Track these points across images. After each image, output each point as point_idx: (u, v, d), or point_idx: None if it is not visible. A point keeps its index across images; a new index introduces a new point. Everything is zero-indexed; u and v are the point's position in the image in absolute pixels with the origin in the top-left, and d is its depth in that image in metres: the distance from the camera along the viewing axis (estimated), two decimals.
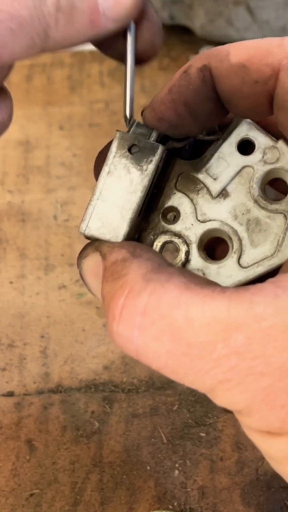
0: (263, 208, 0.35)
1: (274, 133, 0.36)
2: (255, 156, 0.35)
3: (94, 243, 0.34)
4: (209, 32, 0.74)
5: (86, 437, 0.49)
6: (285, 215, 0.35)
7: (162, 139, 0.36)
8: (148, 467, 0.48)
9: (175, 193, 0.36)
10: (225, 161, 0.36)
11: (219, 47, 0.34)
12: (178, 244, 0.36)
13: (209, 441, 0.49)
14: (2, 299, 0.57)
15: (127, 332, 0.30)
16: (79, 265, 0.34)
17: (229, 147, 0.36)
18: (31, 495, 0.47)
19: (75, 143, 0.68)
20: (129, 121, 0.35)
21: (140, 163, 0.34)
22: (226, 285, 0.35)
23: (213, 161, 0.36)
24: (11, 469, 0.48)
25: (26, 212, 0.63)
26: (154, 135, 0.35)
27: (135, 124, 0.35)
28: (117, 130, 0.35)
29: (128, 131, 0.35)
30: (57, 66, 0.78)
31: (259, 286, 0.29)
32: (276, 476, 0.46)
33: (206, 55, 0.34)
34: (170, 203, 0.36)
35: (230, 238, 0.35)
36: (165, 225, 0.36)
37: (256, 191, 0.35)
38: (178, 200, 0.36)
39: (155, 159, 0.34)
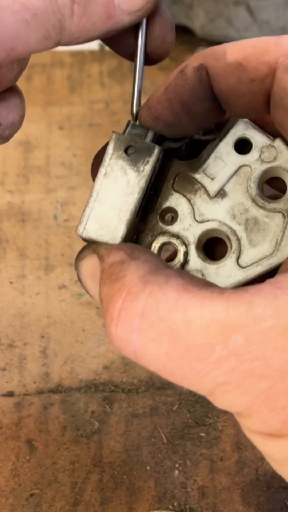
0: (261, 207, 0.35)
1: (271, 132, 0.36)
2: (252, 155, 0.35)
3: (91, 245, 0.34)
4: (209, 32, 0.74)
5: (86, 437, 0.49)
6: (283, 214, 0.35)
7: (158, 139, 0.35)
8: (148, 467, 0.48)
9: (172, 194, 0.36)
10: (222, 161, 0.36)
11: (216, 47, 0.34)
12: (177, 245, 0.35)
13: (209, 441, 0.49)
14: (2, 299, 0.57)
15: (125, 334, 0.30)
16: (76, 267, 0.34)
17: (226, 147, 0.36)
18: (31, 495, 0.47)
19: (75, 143, 0.68)
20: (135, 118, 0.35)
21: (136, 164, 0.34)
22: (226, 285, 0.35)
23: (210, 160, 0.36)
24: (11, 469, 0.48)
25: (26, 212, 0.63)
26: (150, 136, 0.35)
27: (130, 125, 0.35)
28: (113, 132, 0.35)
29: (124, 132, 0.35)
30: (57, 66, 0.78)
31: (258, 287, 0.29)
32: (276, 476, 0.46)
33: (202, 55, 0.33)
34: (167, 204, 0.36)
35: (229, 238, 0.35)
36: (163, 226, 0.36)
37: (254, 190, 0.35)
38: (175, 200, 0.36)
39: (152, 160, 0.34)
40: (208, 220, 0.36)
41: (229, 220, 0.35)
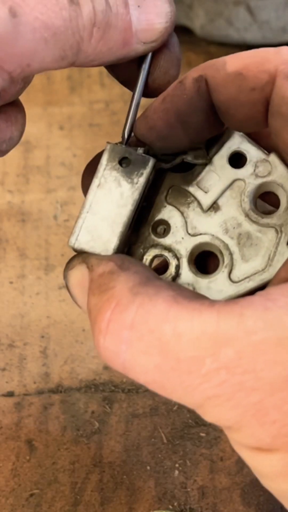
0: (254, 222, 0.35)
1: (266, 147, 0.36)
2: (247, 170, 0.35)
3: (81, 255, 0.34)
4: (209, 32, 0.74)
5: (86, 437, 0.49)
6: (276, 230, 0.35)
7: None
8: (148, 467, 0.48)
9: (165, 206, 0.36)
10: (216, 174, 0.35)
11: (215, 59, 0.33)
12: (168, 258, 0.35)
13: (209, 441, 0.49)
14: (2, 299, 0.57)
15: (113, 346, 0.30)
16: (65, 276, 0.34)
17: (220, 160, 0.35)
18: (31, 495, 0.47)
19: (75, 143, 0.68)
20: (126, 142, 0.35)
21: (130, 176, 0.34)
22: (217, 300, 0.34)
23: (204, 174, 0.35)
24: (11, 469, 0.48)
25: (26, 212, 0.63)
26: (140, 152, 0.35)
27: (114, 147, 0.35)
28: (108, 142, 0.34)
29: (118, 143, 0.35)
30: None
31: (248, 299, 0.29)
32: None
33: (202, 66, 0.33)
34: (160, 216, 0.36)
35: (221, 252, 0.35)
36: (155, 238, 0.35)
37: (247, 204, 0.35)
38: (168, 213, 0.36)
39: (146, 172, 0.34)
40: (200, 234, 0.35)
41: (222, 234, 0.35)
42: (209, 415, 0.29)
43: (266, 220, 0.35)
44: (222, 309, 0.29)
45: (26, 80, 0.35)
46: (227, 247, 0.35)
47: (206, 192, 0.35)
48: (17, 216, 0.63)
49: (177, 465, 0.48)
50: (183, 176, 0.36)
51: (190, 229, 0.35)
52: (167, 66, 0.36)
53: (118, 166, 0.34)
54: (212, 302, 0.29)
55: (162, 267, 0.36)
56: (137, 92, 0.35)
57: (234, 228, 0.35)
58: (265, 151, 0.35)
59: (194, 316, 0.29)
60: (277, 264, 0.34)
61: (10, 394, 0.52)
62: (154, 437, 0.49)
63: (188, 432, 0.49)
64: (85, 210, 0.34)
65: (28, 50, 0.31)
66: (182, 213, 0.35)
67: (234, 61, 0.33)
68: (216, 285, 0.35)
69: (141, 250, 0.36)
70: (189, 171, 0.36)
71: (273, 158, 0.35)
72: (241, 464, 0.48)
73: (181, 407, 0.51)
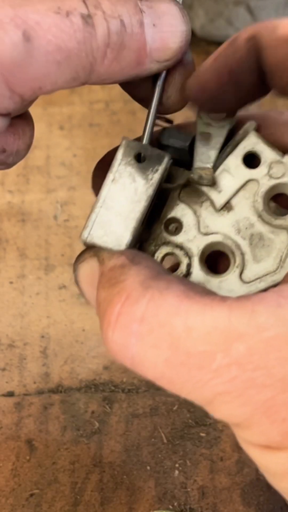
0: (267, 223, 0.35)
1: (281, 148, 0.35)
2: (261, 170, 0.35)
3: (93, 248, 0.34)
4: (209, 32, 0.74)
5: (86, 437, 0.49)
6: None
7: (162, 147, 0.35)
8: (148, 467, 0.48)
9: (178, 204, 0.35)
10: (230, 174, 0.35)
11: (268, 21, 0.33)
12: (180, 256, 0.35)
13: (209, 441, 0.49)
14: (2, 299, 0.57)
15: (123, 339, 0.29)
16: (75, 269, 0.34)
17: (234, 160, 0.35)
18: (31, 495, 0.47)
19: (75, 143, 0.68)
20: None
21: (145, 171, 0.34)
22: None
23: (218, 173, 0.35)
24: (11, 469, 0.48)
25: (26, 212, 0.63)
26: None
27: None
28: (124, 137, 0.34)
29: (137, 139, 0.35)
30: None
31: (261, 295, 0.29)
32: None
33: (255, 27, 0.33)
34: (173, 214, 0.35)
35: (233, 252, 0.35)
36: (167, 236, 0.35)
37: (260, 205, 0.35)
38: (181, 211, 0.35)
39: (161, 168, 0.34)
40: (212, 233, 0.35)
41: (234, 234, 0.35)
42: (218, 412, 0.29)
43: (279, 221, 0.34)
44: (234, 305, 0.29)
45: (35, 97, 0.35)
46: (239, 247, 0.35)
47: (219, 192, 0.35)
48: (17, 216, 0.63)
49: (177, 465, 0.48)
50: None
51: (202, 228, 0.35)
52: (182, 83, 0.35)
53: (133, 161, 0.34)
54: (224, 298, 0.29)
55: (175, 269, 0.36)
56: (152, 109, 0.35)
57: (246, 228, 0.35)
58: (280, 152, 0.35)
59: (206, 310, 0.29)
60: None
61: (10, 394, 0.52)
62: (154, 437, 0.49)
63: (188, 432, 0.49)
64: (98, 204, 0.34)
65: (41, 73, 0.31)
66: (194, 212, 0.35)
67: (286, 25, 0.32)
68: (227, 285, 0.34)
69: (153, 247, 0.35)
70: None
71: (287, 159, 0.35)
72: (241, 464, 0.48)
73: (181, 407, 0.51)
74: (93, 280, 0.32)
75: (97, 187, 0.34)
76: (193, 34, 0.36)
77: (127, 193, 0.33)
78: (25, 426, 0.50)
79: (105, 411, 0.51)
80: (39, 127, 0.70)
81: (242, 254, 0.35)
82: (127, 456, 0.49)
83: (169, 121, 0.36)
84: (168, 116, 0.37)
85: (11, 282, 0.58)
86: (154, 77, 0.35)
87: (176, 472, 0.48)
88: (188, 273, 0.35)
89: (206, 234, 0.35)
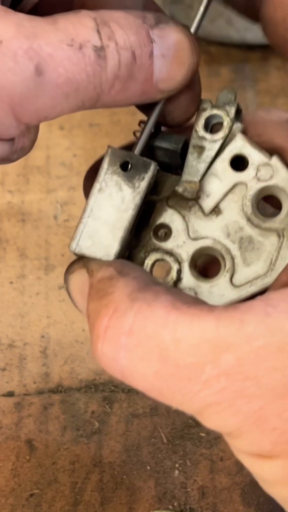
0: (256, 226, 0.34)
1: (270, 148, 0.35)
2: (249, 173, 0.35)
3: (82, 259, 0.33)
4: (209, 32, 0.74)
5: (86, 437, 0.49)
6: (278, 234, 0.34)
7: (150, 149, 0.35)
8: (148, 467, 0.48)
9: (166, 210, 0.35)
10: (217, 178, 0.35)
11: None
12: (170, 262, 0.35)
13: (209, 441, 0.49)
14: (2, 299, 0.57)
15: (111, 352, 0.29)
16: (65, 280, 0.34)
17: (222, 163, 0.35)
18: (31, 495, 0.47)
19: (75, 143, 0.68)
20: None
21: (132, 180, 0.33)
22: (219, 304, 0.34)
23: (205, 177, 0.35)
24: (11, 469, 0.48)
25: (26, 212, 0.63)
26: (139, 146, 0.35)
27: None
28: (109, 146, 0.34)
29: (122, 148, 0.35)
30: None
31: (248, 304, 0.29)
32: None
33: None
34: (161, 220, 0.35)
35: (223, 257, 0.35)
36: (156, 242, 0.35)
37: (249, 208, 0.34)
38: (169, 217, 0.35)
39: (148, 176, 0.33)
40: (202, 238, 0.35)
41: (224, 238, 0.35)
42: (209, 422, 0.29)
43: (268, 224, 0.34)
44: (222, 315, 0.28)
45: None
46: (228, 251, 0.35)
47: (207, 196, 0.35)
48: (17, 216, 0.63)
49: (177, 465, 0.48)
50: None
51: (192, 233, 0.35)
52: (188, 105, 0.35)
53: (119, 170, 0.33)
54: (212, 308, 0.29)
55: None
56: (149, 123, 0.35)
57: (235, 232, 0.35)
58: (267, 154, 0.35)
59: (193, 321, 0.28)
60: (279, 268, 0.34)
61: (10, 394, 0.52)
62: (154, 437, 0.49)
63: (188, 432, 0.49)
64: (86, 214, 0.33)
65: (48, 105, 0.31)
66: (183, 217, 0.35)
67: None
68: (218, 289, 0.34)
69: (142, 255, 0.35)
70: None
71: (275, 161, 0.34)
72: (241, 464, 0.48)
73: None
74: (84, 291, 0.32)
75: (88, 194, 0.34)
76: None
77: (114, 202, 0.33)
78: (25, 426, 0.50)
79: (105, 411, 0.51)
80: (39, 127, 0.70)
81: (232, 258, 0.34)
82: (127, 456, 0.49)
83: (157, 126, 0.36)
84: None
85: (11, 282, 0.58)
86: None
87: (176, 472, 0.48)
88: (178, 279, 0.35)
89: (196, 239, 0.35)
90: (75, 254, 0.34)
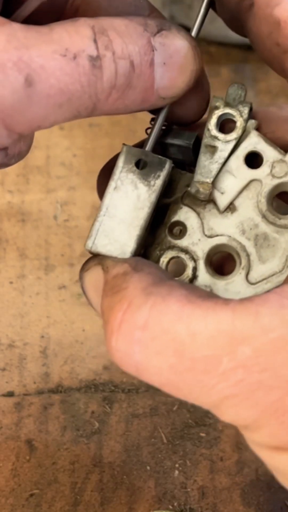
0: (271, 223, 0.34)
1: (283, 145, 0.35)
2: (263, 170, 0.34)
3: (97, 257, 0.33)
4: (209, 32, 0.74)
5: (86, 437, 0.49)
6: None
7: (163, 145, 0.35)
8: (148, 467, 0.48)
9: (181, 208, 0.35)
10: (232, 175, 0.35)
11: None
12: (185, 260, 0.35)
13: (209, 441, 0.49)
14: (2, 299, 0.57)
15: (126, 347, 0.29)
16: (81, 278, 0.34)
17: (236, 161, 0.35)
18: (31, 495, 0.47)
19: (75, 143, 0.68)
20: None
21: (147, 178, 0.33)
22: None
23: (220, 174, 0.35)
24: (11, 469, 0.48)
25: (26, 212, 0.63)
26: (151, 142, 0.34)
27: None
28: (124, 144, 0.34)
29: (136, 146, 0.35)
30: None
31: (264, 296, 0.29)
32: None
33: None
34: (176, 217, 0.35)
35: (238, 254, 0.35)
36: (172, 240, 0.35)
37: (264, 205, 0.34)
38: (184, 214, 0.35)
39: (163, 174, 0.33)
40: (217, 235, 0.35)
41: (239, 235, 0.35)
42: (226, 415, 0.29)
43: (284, 221, 0.34)
44: (237, 307, 0.28)
45: None
46: (244, 248, 0.35)
47: (222, 193, 0.35)
48: (17, 216, 0.63)
49: (177, 465, 0.48)
50: None
51: (207, 230, 0.35)
52: (197, 107, 0.35)
53: (134, 168, 0.33)
54: (226, 301, 0.29)
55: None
56: (160, 119, 0.35)
57: (251, 229, 0.35)
58: (282, 151, 0.35)
59: (209, 314, 0.28)
60: None
61: (10, 394, 0.52)
62: (154, 437, 0.49)
63: (188, 432, 0.49)
64: (101, 213, 0.33)
65: (40, 115, 0.30)
66: (198, 214, 0.35)
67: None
68: (234, 287, 0.34)
69: (158, 252, 0.35)
70: None
71: None
72: (241, 464, 0.48)
73: (181, 407, 0.51)
74: (99, 289, 0.32)
75: (102, 194, 0.34)
76: None
77: (130, 200, 0.33)
78: (25, 426, 0.50)
79: (105, 411, 0.51)
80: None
81: (248, 255, 0.34)
82: (127, 456, 0.49)
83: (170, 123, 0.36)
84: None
85: (11, 282, 0.58)
86: None
87: (176, 472, 0.48)
88: (194, 277, 0.35)
89: (211, 236, 0.35)
90: (91, 252, 0.34)
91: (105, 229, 0.33)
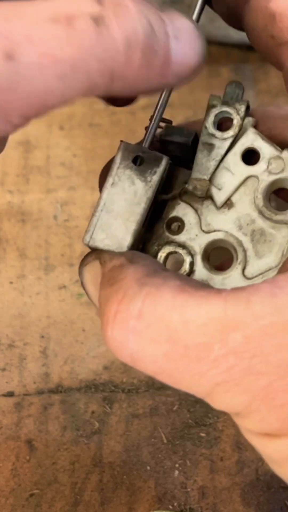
0: (268, 218, 0.35)
1: (280, 143, 0.36)
2: (260, 166, 0.35)
3: (95, 251, 0.34)
4: (209, 32, 0.74)
5: (86, 437, 0.49)
6: None
7: (163, 143, 0.35)
8: (148, 467, 0.48)
9: (179, 203, 0.36)
10: (229, 171, 0.35)
11: None
12: (183, 255, 0.35)
13: (209, 441, 0.49)
14: (2, 299, 0.57)
15: (121, 336, 0.30)
16: (80, 273, 0.34)
17: (233, 157, 0.35)
18: (31, 495, 0.47)
19: (75, 143, 0.68)
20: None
21: (144, 174, 0.34)
22: None
23: (217, 171, 0.35)
24: (11, 469, 0.48)
25: (26, 212, 0.63)
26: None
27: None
28: (121, 141, 0.34)
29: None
30: None
31: (255, 286, 0.29)
32: (276, 476, 0.46)
33: None
34: (174, 213, 0.36)
35: (235, 249, 0.35)
36: (169, 235, 0.36)
37: (260, 201, 0.35)
38: (182, 210, 0.36)
39: (160, 170, 0.34)
40: (214, 231, 0.35)
41: (236, 230, 0.35)
42: (218, 402, 0.30)
43: (280, 216, 0.35)
44: (229, 296, 0.29)
45: None
46: (241, 243, 0.35)
47: (219, 189, 0.35)
48: (17, 216, 0.63)
49: (177, 465, 0.48)
50: None
51: (204, 226, 0.35)
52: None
53: (131, 164, 0.34)
54: (219, 290, 0.29)
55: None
56: (157, 114, 0.35)
57: (247, 224, 0.35)
58: (278, 148, 0.35)
59: (201, 303, 0.29)
60: None
61: (10, 394, 0.52)
62: (154, 437, 0.49)
63: (188, 432, 0.49)
64: (99, 208, 0.34)
65: (39, 91, 0.27)
66: (196, 210, 0.36)
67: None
68: (230, 281, 0.35)
69: (156, 247, 0.36)
70: None
71: (286, 154, 0.35)
72: (241, 464, 0.48)
73: (181, 407, 0.51)
74: (97, 282, 0.33)
75: None
76: None
77: (127, 196, 0.34)
78: (25, 426, 0.50)
79: (105, 411, 0.51)
80: (39, 127, 0.70)
81: (244, 251, 0.35)
82: (127, 456, 0.49)
83: (168, 121, 0.37)
84: (167, 116, 0.37)
85: (11, 282, 0.58)
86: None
87: (176, 472, 0.48)
88: (191, 271, 0.35)
89: (208, 232, 0.35)
90: (89, 247, 0.34)
91: (103, 224, 0.34)
